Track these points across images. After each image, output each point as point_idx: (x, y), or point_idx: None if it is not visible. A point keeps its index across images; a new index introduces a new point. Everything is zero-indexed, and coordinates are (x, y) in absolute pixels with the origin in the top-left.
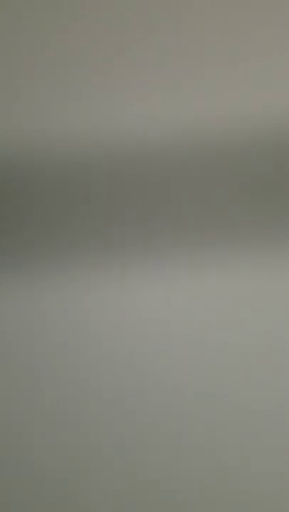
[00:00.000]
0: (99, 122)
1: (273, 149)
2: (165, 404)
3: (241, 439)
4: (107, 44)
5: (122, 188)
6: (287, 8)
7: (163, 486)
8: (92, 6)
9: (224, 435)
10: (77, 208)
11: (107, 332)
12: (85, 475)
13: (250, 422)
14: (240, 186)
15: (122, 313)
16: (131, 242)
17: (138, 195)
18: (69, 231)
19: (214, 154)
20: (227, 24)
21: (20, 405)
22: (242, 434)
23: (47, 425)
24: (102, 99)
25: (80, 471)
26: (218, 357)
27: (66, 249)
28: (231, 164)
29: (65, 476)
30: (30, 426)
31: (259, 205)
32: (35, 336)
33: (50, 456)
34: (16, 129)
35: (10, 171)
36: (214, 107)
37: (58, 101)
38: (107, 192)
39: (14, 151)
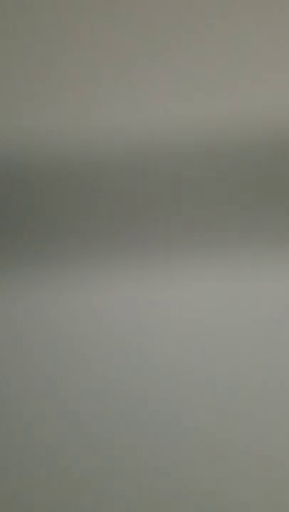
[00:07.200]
0: (99, 122)
1: (274, 149)
2: (167, 405)
3: (244, 432)
4: (107, 44)
5: (123, 188)
6: (288, 8)
7: (163, 479)
8: (92, 6)
9: (227, 431)
10: (79, 208)
11: (107, 332)
12: (86, 474)
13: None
14: (241, 186)
15: (123, 313)
16: (132, 242)
17: (139, 195)
18: (70, 231)
19: (216, 154)
20: (227, 23)
21: (22, 404)
22: (244, 427)
23: (47, 425)
24: (102, 99)
25: (83, 470)
26: (219, 360)
27: (67, 250)
28: (233, 164)
29: (68, 475)
30: (30, 425)
31: (260, 205)
32: (38, 335)
33: (51, 455)
34: (16, 128)
35: (12, 172)
36: (215, 106)
37: (58, 101)
38: (109, 192)
39: (15, 150)
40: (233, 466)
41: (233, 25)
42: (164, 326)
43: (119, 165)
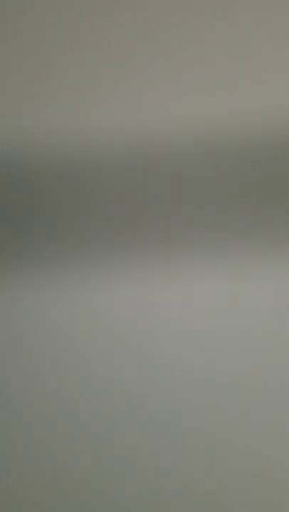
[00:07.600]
0: (99, 122)
1: (274, 149)
2: (167, 405)
3: (243, 430)
4: (107, 44)
5: (123, 188)
6: (288, 8)
7: (163, 479)
8: (92, 6)
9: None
10: (79, 208)
11: (107, 332)
12: (86, 474)
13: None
14: (241, 186)
15: (123, 314)
16: (132, 242)
17: (139, 195)
18: (70, 231)
19: (216, 154)
20: (227, 23)
21: (22, 404)
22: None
23: (47, 425)
24: (102, 99)
25: (83, 470)
26: (219, 362)
27: (67, 250)
28: (233, 164)
29: (70, 474)
30: (30, 425)
31: (260, 205)
32: (38, 335)
33: (51, 455)
34: (16, 128)
35: (12, 172)
36: (215, 106)
37: (58, 101)
38: (109, 192)
39: (14, 150)
40: (233, 466)
41: (233, 25)
42: (164, 326)
43: (119, 165)
